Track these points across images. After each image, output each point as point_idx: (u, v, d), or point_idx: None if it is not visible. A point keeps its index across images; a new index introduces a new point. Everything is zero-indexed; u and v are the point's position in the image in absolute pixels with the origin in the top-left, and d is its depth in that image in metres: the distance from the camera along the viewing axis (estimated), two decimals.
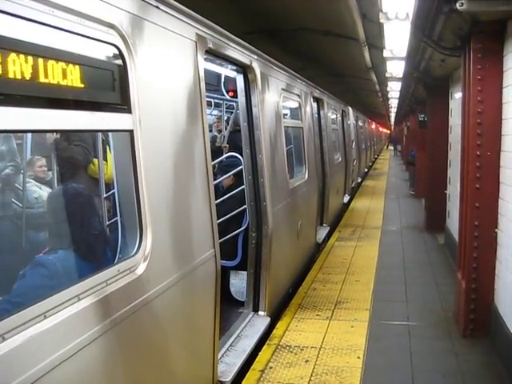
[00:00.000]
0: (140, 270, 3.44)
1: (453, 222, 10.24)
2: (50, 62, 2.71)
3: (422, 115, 17.48)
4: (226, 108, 14.11)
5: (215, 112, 14.25)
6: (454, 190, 10.26)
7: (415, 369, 5.78)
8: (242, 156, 6.84)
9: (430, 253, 11.24)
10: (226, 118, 13.39)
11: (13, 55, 2.47)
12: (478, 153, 6.39)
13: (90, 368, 2.93)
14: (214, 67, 7.34)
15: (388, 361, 6.00)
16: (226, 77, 9.82)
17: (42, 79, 2.66)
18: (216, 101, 13.20)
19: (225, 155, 7.72)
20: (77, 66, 2.91)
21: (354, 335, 6.63)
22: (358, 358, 6.00)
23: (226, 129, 10.98)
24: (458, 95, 10.00)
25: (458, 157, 7.66)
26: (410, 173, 23.80)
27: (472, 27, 6.17)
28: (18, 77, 2.50)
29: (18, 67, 2.50)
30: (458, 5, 5.10)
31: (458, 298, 7.03)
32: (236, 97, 10.63)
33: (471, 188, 6.48)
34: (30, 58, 2.57)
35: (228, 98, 11.21)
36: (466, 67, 6.69)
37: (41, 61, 2.65)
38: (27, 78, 2.56)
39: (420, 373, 5.70)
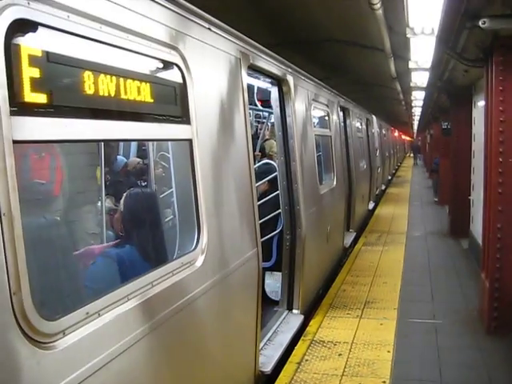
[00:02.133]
0: (198, 262, 3.89)
1: (476, 227, 10.55)
2: (128, 81, 3.16)
3: (446, 123, 17.76)
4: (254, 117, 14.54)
5: None
6: (477, 195, 10.58)
7: (442, 362, 6.16)
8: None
9: (455, 257, 11.57)
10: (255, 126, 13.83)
11: (102, 76, 2.92)
12: (501, 159, 6.76)
13: (161, 343, 3.39)
14: (249, 79, 7.76)
15: (416, 355, 6.38)
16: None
17: (123, 96, 3.10)
18: None
19: (260, 162, 8.14)
20: (148, 84, 3.37)
21: (383, 332, 7.01)
22: (388, 352, 6.39)
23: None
24: (481, 104, 10.33)
25: (482, 164, 8.01)
26: (434, 180, 24.01)
27: (494, 41, 6.57)
28: (106, 94, 2.95)
29: (106, 86, 2.95)
30: (480, 23, 5.50)
31: (482, 296, 7.40)
32: (265, 106, 11.13)
33: (494, 193, 6.85)
34: (113, 78, 3.02)
35: (260, 107, 11.64)
36: (488, 78, 7.07)
37: (121, 80, 3.10)
38: (112, 95, 3.00)
39: (447, 366, 6.07)
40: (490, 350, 6.51)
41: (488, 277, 7.07)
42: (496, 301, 6.93)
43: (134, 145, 8.98)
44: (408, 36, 7.35)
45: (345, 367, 5.99)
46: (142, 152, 8.41)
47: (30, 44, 2.43)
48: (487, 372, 5.95)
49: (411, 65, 10.15)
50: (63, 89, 2.66)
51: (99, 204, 5.89)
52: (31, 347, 2.31)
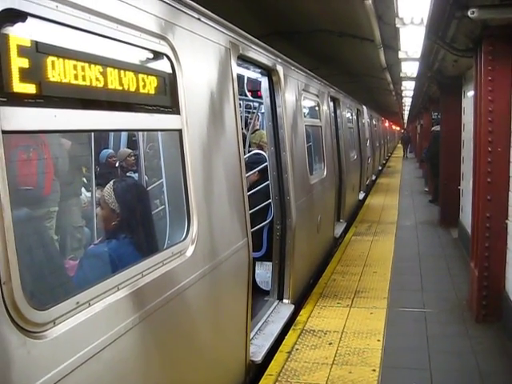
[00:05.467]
0: (189, 252, 3.91)
1: (466, 217, 10.60)
2: (118, 72, 3.16)
3: (436, 113, 17.82)
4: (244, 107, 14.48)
5: None
6: (466, 185, 10.62)
7: (431, 350, 6.20)
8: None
9: (445, 246, 11.64)
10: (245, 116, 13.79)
11: (92, 66, 2.92)
12: (490, 149, 6.80)
13: (152, 333, 3.43)
14: (239, 69, 7.75)
15: (406, 343, 6.43)
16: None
17: (112, 86, 3.10)
18: None
19: (250, 152, 8.15)
20: (137, 74, 3.37)
21: (373, 321, 7.06)
22: (378, 340, 6.43)
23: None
24: (470, 94, 10.36)
25: (471, 153, 8.05)
26: (424, 170, 24.07)
27: (483, 31, 6.59)
28: (95, 84, 2.95)
29: (95, 76, 2.95)
30: (469, 12, 5.52)
31: (471, 285, 7.46)
32: (255, 97, 11.10)
33: (483, 182, 6.89)
34: (103, 68, 3.02)
35: (250, 98, 11.60)
36: (477, 68, 7.10)
37: (111, 70, 3.09)
38: (101, 86, 3.00)
39: (436, 354, 6.12)
40: (478, 338, 6.57)
41: (477, 266, 7.12)
42: (485, 289, 6.98)
43: (124, 136, 8.98)
44: (397, 26, 7.37)
45: (335, 356, 6.03)
46: (133, 143, 8.40)
47: (19, 34, 2.43)
48: (476, 359, 5.99)
49: (401, 55, 10.17)
50: (52, 79, 2.66)
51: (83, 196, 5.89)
52: (21, 337, 2.32)
